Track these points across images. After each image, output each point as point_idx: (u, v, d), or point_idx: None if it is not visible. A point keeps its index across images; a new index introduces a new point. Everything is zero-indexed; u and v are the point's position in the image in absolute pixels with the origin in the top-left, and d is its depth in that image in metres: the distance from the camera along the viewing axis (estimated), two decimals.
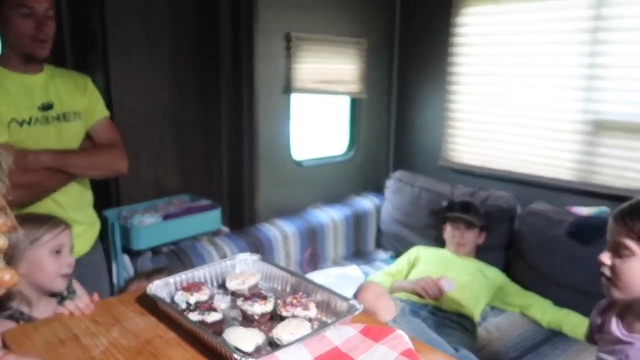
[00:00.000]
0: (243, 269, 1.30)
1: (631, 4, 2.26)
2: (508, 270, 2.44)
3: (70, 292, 1.38)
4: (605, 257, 1.12)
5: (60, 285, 1.29)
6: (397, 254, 2.81)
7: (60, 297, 1.33)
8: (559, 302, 2.23)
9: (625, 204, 1.15)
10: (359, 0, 2.91)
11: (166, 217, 2.31)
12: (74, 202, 1.66)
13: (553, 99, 2.56)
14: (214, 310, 1.06)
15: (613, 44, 2.34)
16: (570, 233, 2.26)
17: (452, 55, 2.92)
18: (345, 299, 1.09)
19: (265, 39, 2.51)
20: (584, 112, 2.47)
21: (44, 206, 1.54)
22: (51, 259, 1.26)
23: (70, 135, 1.64)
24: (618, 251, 1.10)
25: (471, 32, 2.83)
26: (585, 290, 2.17)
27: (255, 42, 2.45)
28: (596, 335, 1.26)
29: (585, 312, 2.12)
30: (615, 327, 1.16)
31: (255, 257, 1.32)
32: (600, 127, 2.44)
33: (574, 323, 2.09)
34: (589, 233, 2.22)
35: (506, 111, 2.74)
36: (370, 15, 2.99)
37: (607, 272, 1.12)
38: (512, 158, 2.75)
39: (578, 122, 2.49)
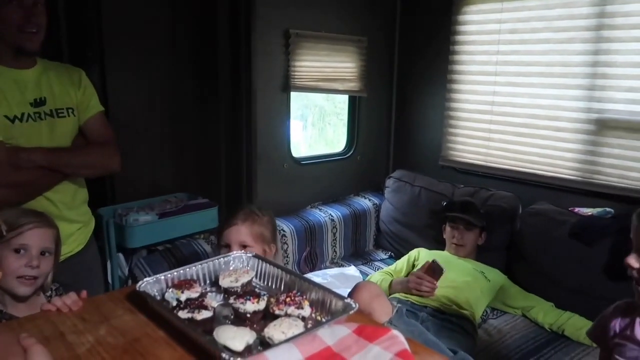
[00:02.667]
0: (237, 266, 1.26)
1: (636, 1, 2.22)
2: (509, 271, 2.40)
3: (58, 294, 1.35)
4: (633, 260, 1.09)
5: (19, 288, 1.24)
6: (397, 254, 2.77)
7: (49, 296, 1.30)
8: (561, 305, 2.19)
9: None
10: None
11: (162, 215, 2.28)
12: (67, 200, 1.62)
13: (556, 98, 2.52)
14: (205, 308, 1.02)
15: (617, 42, 2.30)
16: (573, 234, 2.22)
17: (453, 53, 2.89)
18: (341, 297, 1.05)
19: (264, 36, 2.47)
20: (587, 111, 2.43)
21: (37, 204, 1.51)
22: (10, 258, 1.21)
23: (63, 132, 1.60)
24: None
25: (472, 30, 2.80)
26: (588, 293, 2.14)
27: (254, 39, 2.42)
28: (613, 340, 1.21)
29: (588, 314, 2.09)
30: None
31: (250, 254, 1.29)
32: (603, 126, 2.40)
33: (577, 326, 2.05)
34: (592, 234, 2.18)
35: (508, 110, 2.70)
36: (371, 13, 2.96)
37: (636, 275, 1.08)
38: (514, 157, 2.71)
39: (581, 121, 2.46)
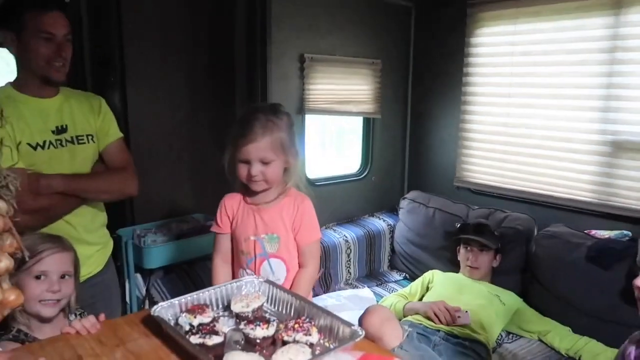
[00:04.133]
0: (249, 290, 1.29)
1: None
2: (525, 294, 2.38)
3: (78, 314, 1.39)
4: None
5: (42, 311, 1.27)
6: (411, 276, 2.77)
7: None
8: (578, 329, 2.15)
9: None
10: (373, 22, 2.93)
11: (179, 236, 2.33)
12: (87, 224, 1.67)
13: (570, 119, 2.52)
14: (216, 333, 1.05)
15: (631, 64, 2.30)
16: (590, 257, 2.20)
17: (466, 75, 2.91)
18: (349, 324, 1.07)
19: (279, 60, 2.54)
20: (602, 133, 2.42)
21: (57, 228, 1.56)
22: (31, 285, 1.24)
23: (83, 158, 1.66)
24: None
25: (486, 51, 2.83)
26: (606, 318, 2.11)
27: (269, 64, 2.48)
28: None
29: (605, 340, 2.06)
30: None
31: (262, 279, 1.32)
32: (619, 148, 2.39)
33: (594, 352, 2.02)
34: (609, 257, 2.15)
35: (523, 131, 2.70)
36: (385, 36, 3.01)
37: None
38: (529, 179, 2.70)
39: (596, 143, 2.45)
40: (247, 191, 1.55)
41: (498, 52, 2.77)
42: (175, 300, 1.19)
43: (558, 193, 2.60)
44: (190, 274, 2.29)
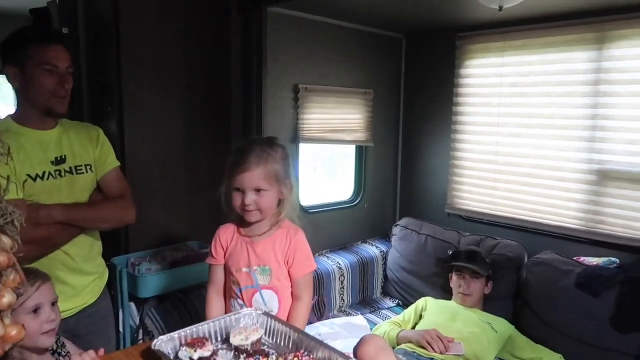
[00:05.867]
0: (247, 323, 1.31)
1: (630, 58, 2.32)
2: (516, 321, 2.41)
3: (60, 345, 1.39)
4: None
5: (46, 342, 1.27)
6: (404, 302, 2.79)
7: (52, 351, 1.33)
8: (569, 356, 2.18)
9: None
10: (365, 53, 3.01)
11: (173, 264, 2.33)
12: (84, 253, 1.69)
13: (558, 149, 2.60)
14: None
15: (614, 96, 2.39)
16: (579, 284, 2.24)
17: (456, 104, 2.99)
18: (346, 357, 1.09)
19: (274, 90, 2.59)
20: (589, 162, 2.50)
21: (54, 258, 1.57)
22: (29, 320, 1.24)
23: (81, 187, 1.68)
24: None
25: (475, 82, 2.91)
26: (596, 344, 2.14)
27: (264, 95, 2.53)
28: None
29: None
30: None
31: (259, 311, 1.34)
32: (605, 177, 2.46)
33: None
34: (597, 284, 2.20)
35: (512, 160, 2.78)
36: (376, 66, 3.09)
37: None
38: (519, 206, 2.76)
39: (583, 172, 2.52)
40: (242, 222, 1.58)
41: (487, 83, 2.86)
42: (175, 334, 1.21)
43: (547, 220, 2.65)
44: (184, 302, 2.29)
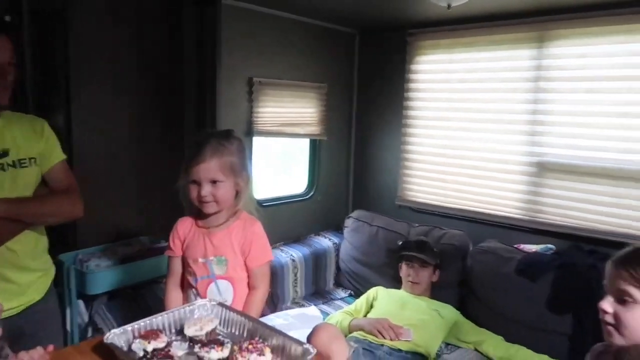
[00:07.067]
0: (201, 314, 1.32)
1: (568, 56, 2.46)
2: (462, 307, 2.52)
3: (3, 357, 1.35)
4: (607, 305, 1.13)
5: None
6: (356, 293, 2.86)
7: None
8: (510, 338, 2.31)
9: (624, 251, 1.16)
10: (319, 47, 3.04)
11: (124, 260, 2.29)
12: (29, 250, 1.63)
13: (502, 142, 2.72)
14: (170, 357, 1.07)
15: (552, 93, 2.53)
16: (519, 270, 2.37)
17: (407, 99, 3.07)
18: (300, 343, 1.13)
19: (228, 84, 2.58)
20: (529, 155, 2.64)
21: None
22: None
23: (25, 182, 1.62)
24: (620, 298, 1.11)
25: (425, 78, 3.00)
26: (534, 326, 2.28)
27: (219, 88, 2.52)
28: None
29: (534, 346, 2.22)
30: None
31: (214, 302, 1.35)
32: (544, 169, 2.60)
33: (524, 358, 2.18)
34: (535, 270, 2.33)
35: (459, 153, 2.89)
36: (331, 61, 3.13)
37: (609, 319, 1.13)
38: (465, 197, 2.88)
39: (524, 164, 2.66)
40: (200, 215, 1.60)
41: (436, 79, 2.96)
42: (128, 327, 1.20)
43: (491, 210, 2.78)
44: (136, 298, 2.26)
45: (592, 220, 2.45)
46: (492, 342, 2.29)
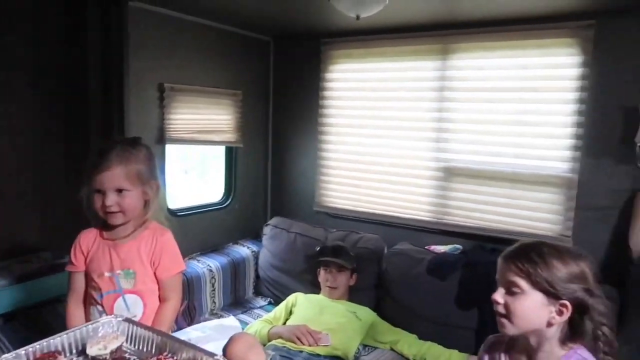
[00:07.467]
0: (106, 331, 1.25)
1: (468, 68, 2.64)
2: (378, 308, 2.60)
3: None
4: (498, 296, 1.23)
5: None
6: (276, 300, 2.85)
7: None
8: (423, 336, 2.41)
9: (512, 247, 1.27)
10: (233, 53, 3.01)
11: (22, 278, 2.11)
12: None
13: (411, 149, 2.85)
14: None
15: (455, 102, 2.70)
16: (429, 270, 2.49)
17: (322, 107, 3.13)
18: (212, 355, 1.11)
19: (137, 90, 2.48)
20: (437, 160, 2.78)
21: None
22: None
23: None
24: (509, 290, 1.21)
25: (339, 86, 3.08)
26: (445, 323, 2.40)
27: (127, 94, 2.41)
28: None
29: (445, 342, 2.34)
30: None
31: (119, 318, 1.28)
32: (450, 173, 2.76)
33: (436, 354, 2.28)
34: (444, 269, 2.46)
35: (372, 159, 2.98)
36: (245, 68, 3.11)
37: (501, 309, 1.22)
38: (379, 202, 2.98)
39: (432, 169, 2.80)
40: (105, 226, 1.52)
41: (349, 87, 3.04)
42: (22, 350, 1.11)
43: (403, 214, 2.90)
44: (36, 319, 2.08)
45: (493, 221, 2.64)
46: (407, 341, 2.38)
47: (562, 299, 1.16)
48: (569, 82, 2.38)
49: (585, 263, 1.19)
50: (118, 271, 1.48)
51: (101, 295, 1.47)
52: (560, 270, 1.16)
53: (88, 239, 1.56)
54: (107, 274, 1.48)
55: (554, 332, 1.19)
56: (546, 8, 2.24)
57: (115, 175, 1.43)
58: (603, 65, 2.29)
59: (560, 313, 1.17)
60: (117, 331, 1.25)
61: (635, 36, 2.22)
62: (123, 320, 1.28)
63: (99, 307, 1.47)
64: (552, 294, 1.16)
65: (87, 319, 1.51)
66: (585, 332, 1.17)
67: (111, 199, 1.43)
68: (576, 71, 2.36)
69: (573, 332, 1.19)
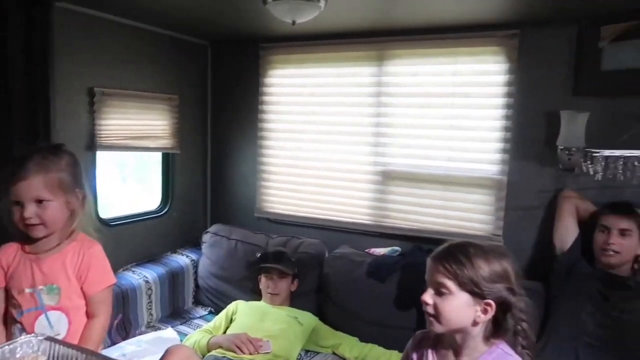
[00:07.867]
0: (25, 352, 1.17)
1: (402, 74, 2.71)
2: (320, 312, 2.60)
3: None
4: (428, 297, 1.24)
5: None
6: (217, 309, 2.79)
7: None
8: (364, 338, 2.44)
9: (440, 248, 1.29)
10: (169, 57, 2.93)
11: None
12: None
13: (350, 153, 2.89)
14: None
15: (391, 107, 2.76)
16: (369, 272, 2.53)
17: (262, 112, 3.11)
18: None
19: (65, 95, 2.36)
20: (375, 164, 2.83)
21: None
22: None
23: None
24: (438, 290, 1.23)
25: (278, 91, 3.07)
26: (385, 324, 2.44)
27: (52, 98, 2.29)
28: None
29: (385, 343, 2.38)
30: (432, 358, 1.32)
31: (40, 337, 1.21)
32: (387, 177, 2.82)
33: (376, 356, 2.32)
34: (383, 271, 2.51)
35: (312, 164, 3.00)
36: (181, 72, 3.04)
37: (430, 310, 1.24)
38: (319, 207, 3.00)
39: (371, 173, 2.85)
40: (27, 239, 1.43)
41: (289, 92, 3.04)
42: None
43: (343, 218, 2.93)
44: None
45: (429, 222, 2.72)
46: (348, 344, 2.40)
47: (486, 299, 1.20)
48: (497, 88, 2.50)
49: (508, 262, 1.24)
50: (40, 287, 1.39)
51: (21, 313, 1.38)
52: (485, 271, 1.21)
53: (8, 254, 1.46)
54: (27, 290, 1.39)
55: (479, 330, 1.24)
56: (476, 17, 2.35)
57: (33, 185, 1.35)
58: (527, 72, 2.42)
59: (485, 312, 1.21)
60: (38, 351, 1.17)
61: (555, 45, 2.36)
62: (44, 339, 1.20)
63: (19, 326, 1.38)
64: (477, 294, 1.20)
65: (9, 338, 1.42)
66: (507, 328, 1.23)
67: (30, 211, 1.34)
68: (503, 78, 2.48)
69: (496, 329, 1.25)
